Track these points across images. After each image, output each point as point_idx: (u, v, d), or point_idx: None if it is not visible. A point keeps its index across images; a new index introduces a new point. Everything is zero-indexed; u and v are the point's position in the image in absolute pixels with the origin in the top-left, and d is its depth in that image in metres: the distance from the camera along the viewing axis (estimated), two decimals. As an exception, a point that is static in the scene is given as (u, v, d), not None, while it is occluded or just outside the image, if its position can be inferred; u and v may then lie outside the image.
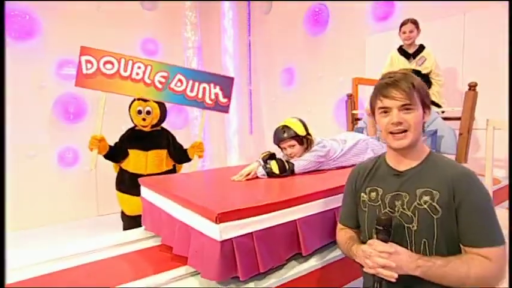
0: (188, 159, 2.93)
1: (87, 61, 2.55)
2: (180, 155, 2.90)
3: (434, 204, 0.95)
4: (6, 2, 4.14)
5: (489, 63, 3.07)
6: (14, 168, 4.06)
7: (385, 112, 1.02)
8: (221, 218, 1.13)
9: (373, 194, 1.07)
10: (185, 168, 3.12)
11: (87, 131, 4.67)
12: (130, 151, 2.72)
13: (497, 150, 2.51)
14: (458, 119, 2.37)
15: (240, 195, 1.43)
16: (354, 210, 1.16)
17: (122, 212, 2.82)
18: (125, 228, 2.74)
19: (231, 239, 1.16)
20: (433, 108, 2.54)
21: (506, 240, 0.95)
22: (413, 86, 0.99)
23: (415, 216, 0.97)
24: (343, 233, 1.18)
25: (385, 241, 0.94)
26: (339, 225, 1.23)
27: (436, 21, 3.37)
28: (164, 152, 2.80)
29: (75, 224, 4.51)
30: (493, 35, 3.04)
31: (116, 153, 2.71)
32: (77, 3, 4.54)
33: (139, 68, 2.68)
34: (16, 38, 4.25)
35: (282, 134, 1.94)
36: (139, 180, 1.82)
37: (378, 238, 0.96)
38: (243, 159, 5.36)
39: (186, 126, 5.49)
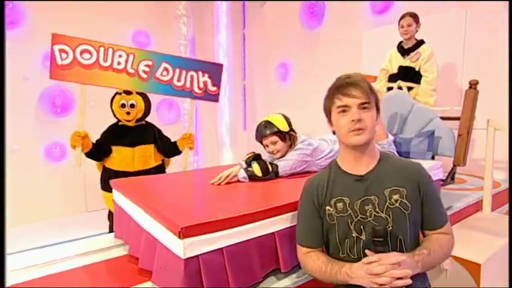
0: (178, 152, 2.79)
1: (61, 50, 2.30)
2: (169, 148, 2.77)
3: (405, 201, 1.00)
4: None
5: (491, 60, 2.93)
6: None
7: (344, 111, 1.02)
8: (185, 232, 1.00)
9: (340, 205, 1.04)
10: (177, 162, 2.99)
11: (74, 125, 4.59)
12: (114, 148, 2.58)
13: (496, 151, 2.38)
14: (458, 119, 2.23)
15: (212, 204, 1.28)
16: (318, 228, 1.09)
17: (109, 212, 2.69)
18: (111, 229, 2.62)
19: (197, 256, 1.02)
20: (431, 108, 2.40)
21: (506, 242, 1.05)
22: (369, 87, 1.03)
23: (389, 217, 0.99)
24: (315, 258, 1.06)
25: (385, 252, 0.93)
26: (302, 249, 1.11)
27: (436, 15, 3.22)
28: (151, 146, 2.67)
29: (62, 221, 4.38)
30: (496, 31, 2.90)
31: (98, 151, 2.56)
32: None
33: (120, 56, 2.44)
34: (-1, 27, 4.08)
35: (263, 130, 1.82)
36: (111, 182, 1.68)
37: (377, 251, 0.93)
38: (236, 156, 5.22)
39: (178, 121, 5.34)
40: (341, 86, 1.02)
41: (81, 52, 2.35)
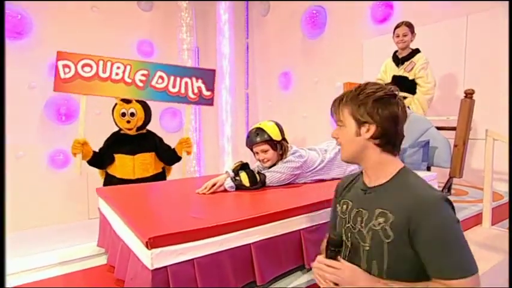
0: (179, 158, 2.84)
1: (65, 65, 2.49)
2: (169, 156, 2.82)
3: (387, 227, 0.89)
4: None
5: (494, 67, 2.87)
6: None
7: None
8: (153, 242, 0.98)
9: (344, 207, 1.05)
10: (179, 170, 3.03)
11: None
12: (116, 156, 2.63)
13: (501, 162, 2.30)
14: (455, 128, 2.17)
15: (187, 215, 1.26)
16: (335, 221, 1.11)
17: None
18: None
19: (165, 267, 1.00)
20: (428, 118, 2.35)
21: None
22: (341, 100, 0.97)
23: (368, 236, 0.94)
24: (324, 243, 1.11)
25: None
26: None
27: (437, 24, 3.18)
28: (152, 155, 2.71)
29: (64, 227, 4.40)
30: (498, 38, 2.84)
31: (100, 159, 2.63)
32: (71, 2, 4.47)
33: (118, 68, 2.60)
34: (7, 37, 4.19)
35: (254, 137, 1.79)
36: (96, 190, 1.68)
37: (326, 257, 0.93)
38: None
39: (180, 129, 5.37)
40: None
41: (83, 66, 2.52)
